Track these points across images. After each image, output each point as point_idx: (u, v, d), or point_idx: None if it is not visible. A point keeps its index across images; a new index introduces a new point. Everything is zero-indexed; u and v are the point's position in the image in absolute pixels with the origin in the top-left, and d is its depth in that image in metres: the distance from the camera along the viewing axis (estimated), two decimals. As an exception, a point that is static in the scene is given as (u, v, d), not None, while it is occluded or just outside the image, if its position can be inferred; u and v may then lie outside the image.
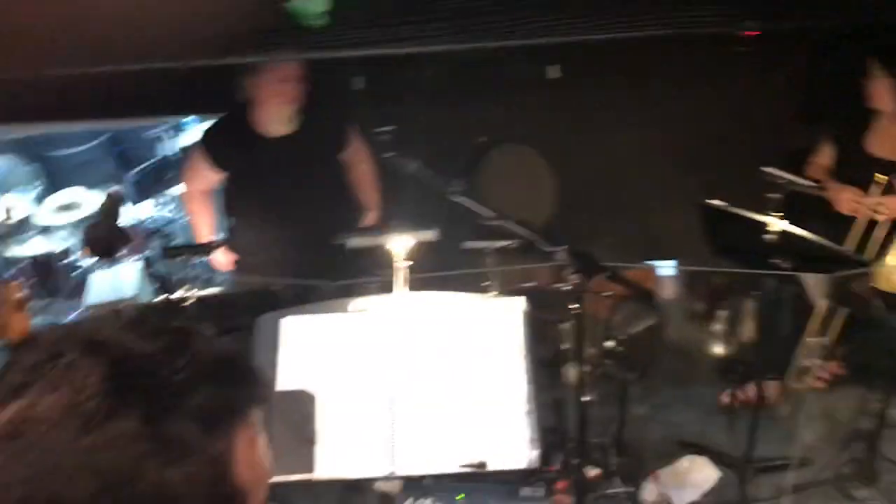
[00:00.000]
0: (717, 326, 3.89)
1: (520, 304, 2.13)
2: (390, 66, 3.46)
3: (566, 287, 2.37)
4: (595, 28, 2.54)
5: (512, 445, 1.95)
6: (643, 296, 3.43)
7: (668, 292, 4.10)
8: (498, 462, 1.93)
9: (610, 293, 2.99)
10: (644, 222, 3.96)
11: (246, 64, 2.85)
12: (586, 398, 2.50)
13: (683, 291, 4.13)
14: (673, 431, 3.38)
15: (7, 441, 0.58)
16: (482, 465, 1.91)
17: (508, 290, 2.75)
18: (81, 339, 0.63)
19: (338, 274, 2.77)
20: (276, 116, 2.98)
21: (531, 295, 2.22)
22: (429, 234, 2.32)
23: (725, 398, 3.41)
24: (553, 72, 3.80)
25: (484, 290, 2.77)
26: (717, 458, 3.14)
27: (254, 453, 0.68)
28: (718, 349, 3.85)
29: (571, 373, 2.72)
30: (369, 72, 3.61)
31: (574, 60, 3.73)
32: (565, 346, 3.06)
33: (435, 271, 2.48)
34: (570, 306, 2.37)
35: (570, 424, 3.11)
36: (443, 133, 3.63)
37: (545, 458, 1.98)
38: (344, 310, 2.20)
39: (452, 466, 1.94)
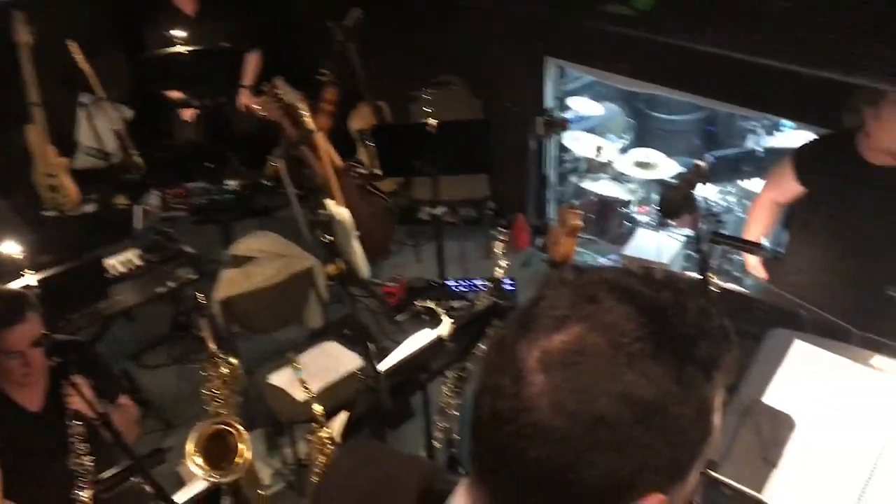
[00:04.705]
0: None
1: None
2: None
3: None
4: None
5: None
6: None
7: None
8: None
9: None
10: None
11: (863, 90, 2.73)
12: None
13: None
14: None
15: (563, 367, 0.70)
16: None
17: None
18: (608, 286, 0.74)
19: (870, 323, 2.58)
20: (885, 148, 2.81)
21: None
22: None
23: None
24: None
25: None
26: None
27: (719, 409, 0.77)
28: None
29: None
30: None
31: None
32: None
33: None
34: None
35: None
36: None
37: None
38: (863, 361, 2.08)
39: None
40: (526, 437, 0.70)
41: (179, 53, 4.47)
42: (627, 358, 0.70)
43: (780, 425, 2.03)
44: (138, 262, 3.90)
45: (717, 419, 0.76)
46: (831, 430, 1.99)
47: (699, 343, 0.73)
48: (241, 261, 3.74)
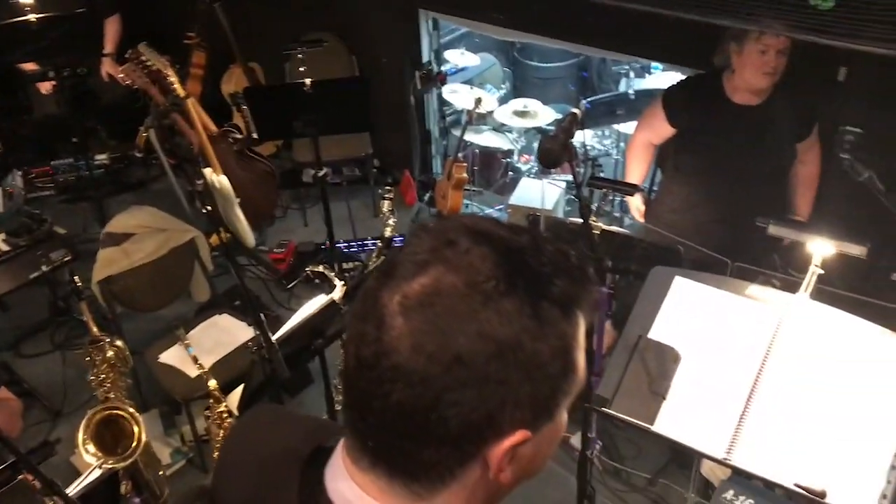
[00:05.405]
0: None
1: (931, 357, 1.93)
2: (872, 66, 3.16)
3: None
4: None
5: (860, 490, 1.83)
6: None
7: None
8: (838, 499, 1.83)
9: None
10: None
11: (731, 28, 2.84)
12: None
13: None
14: None
15: (422, 308, 0.71)
16: (822, 494, 1.82)
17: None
18: (467, 230, 0.76)
19: (744, 256, 2.72)
20: (748, 85, 2.94)
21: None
22: (856, 249, 2.17)
23: None
24: None
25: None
26: None
27: (582, 347, 0.79)
28: None
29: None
30: (855, 65, 3.34)
31: None
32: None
33: (848, 290, 2.33)
34: None
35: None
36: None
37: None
38: (739, 292, 2.19)
39: (788, 480, 1.88)
40: (388, 380, 0.72)
41: (27, 21, 4.17)
42: (482, 297, 0.71)
43: (667, 359, 2.13)
44: (5, 246, 3.66)
45: (580, 357, 0.79)
46: (714, 361, 2.10)
47: (555, 281, 0.75)
48: (118, 238, 3.57)
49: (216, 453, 2.97)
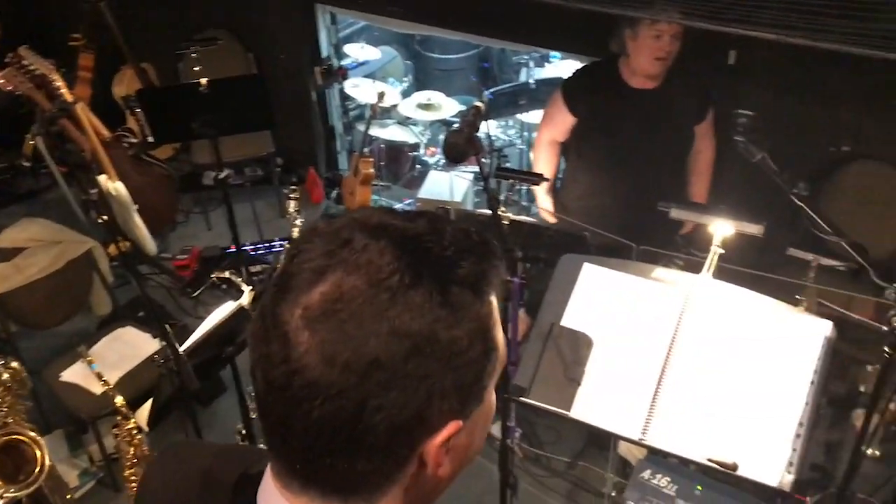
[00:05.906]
0: None
1: (826, 328, 2.02)
2: (764, 50, 3.28)
3: (886, 329, 2.18)
4: None
5: (769, 460, 1.89)
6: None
7: None
8: (749, 470, 1.89)
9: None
10: None
11: (626, 16, 2.89)
12: (869, 451, 2.32)
13: None
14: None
15: (326, 318, 0.67)
16: (734, 466, 1.88)
17: (819, 311, 2.59)
18: (360, 226, 0.72)
19: (648, 239, 2.79)
20: (642, 70, 2.99)
21: (843, 324, 2.09)
22: (754, 228, 2.25)
23: None
24: None
25: (794, 303, 2.63)
26: None
27: (498, 323, 0.77)
28: None
29: (860, 419, 2.52)
30: (744, 48, 3.45)
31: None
32: (863, 389, 2.84)
33: (748, 267, 2.41)
34: (884, 349, 2.18)
35: (839, 471, 2.91)
36: (800, 130, 3.40)
37: (799, 488, 1.89)
38: (645, 275, 2.24)
39: (701, 456, 1.93)
40: (305, 399, 0.68)
41: None
42: (388, 293, 0.68)
43: (580, 345, 2.16)
44: None
45: (498, 334, 0.76)
46: (625, 344, 2.14)
47: (461, 263, 0.72)
48: (8, 253, 3.39)
49: (126, 472, 2.86)
